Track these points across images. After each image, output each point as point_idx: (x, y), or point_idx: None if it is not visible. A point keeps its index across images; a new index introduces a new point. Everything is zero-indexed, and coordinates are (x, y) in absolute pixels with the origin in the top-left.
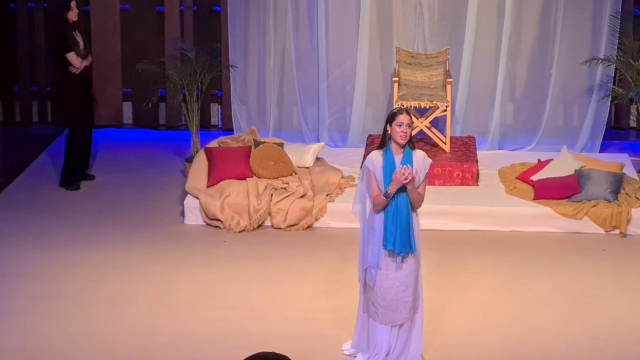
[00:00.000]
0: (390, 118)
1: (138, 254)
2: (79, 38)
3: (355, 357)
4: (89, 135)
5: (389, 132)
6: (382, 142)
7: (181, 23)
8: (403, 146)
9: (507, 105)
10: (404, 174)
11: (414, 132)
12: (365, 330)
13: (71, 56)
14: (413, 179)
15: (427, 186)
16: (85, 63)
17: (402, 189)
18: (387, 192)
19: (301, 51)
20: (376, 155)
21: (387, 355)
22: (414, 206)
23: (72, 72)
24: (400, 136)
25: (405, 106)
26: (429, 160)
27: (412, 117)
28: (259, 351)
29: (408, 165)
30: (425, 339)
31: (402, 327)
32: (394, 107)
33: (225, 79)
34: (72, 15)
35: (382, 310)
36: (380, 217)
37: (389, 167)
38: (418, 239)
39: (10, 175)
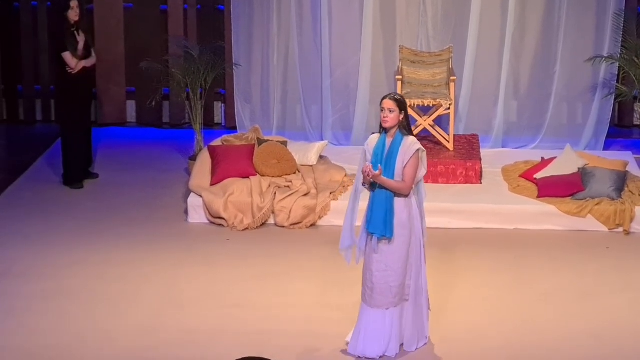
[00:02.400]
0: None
1: (141, 252)
2: (80, 38)
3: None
4: (88, 133)
5: None
6: (380, 125)
7: (185, 21)
8: (388, 130)
9: (511, 103)
10: (365, 172)
11: (417, 131)
12: (360, 320)
13: (66, 56)
14: (377, 176)
15: (430, 184)
16: (85, 63)
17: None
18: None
19: (305, 49)
20: (373, 137)
21: (380, 356)
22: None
23: (69, 71)
24: (383, 120)
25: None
26: (415, 147)
27: (414, 111)
28: (259, 351)
29: (370, 164)
30: None
31: (392, 315)
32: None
33: (229, 77)
34: (73, 14)
35: (368, 292)
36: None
37: (378, 150)
38: (404, 224)
39: (13, 174)
